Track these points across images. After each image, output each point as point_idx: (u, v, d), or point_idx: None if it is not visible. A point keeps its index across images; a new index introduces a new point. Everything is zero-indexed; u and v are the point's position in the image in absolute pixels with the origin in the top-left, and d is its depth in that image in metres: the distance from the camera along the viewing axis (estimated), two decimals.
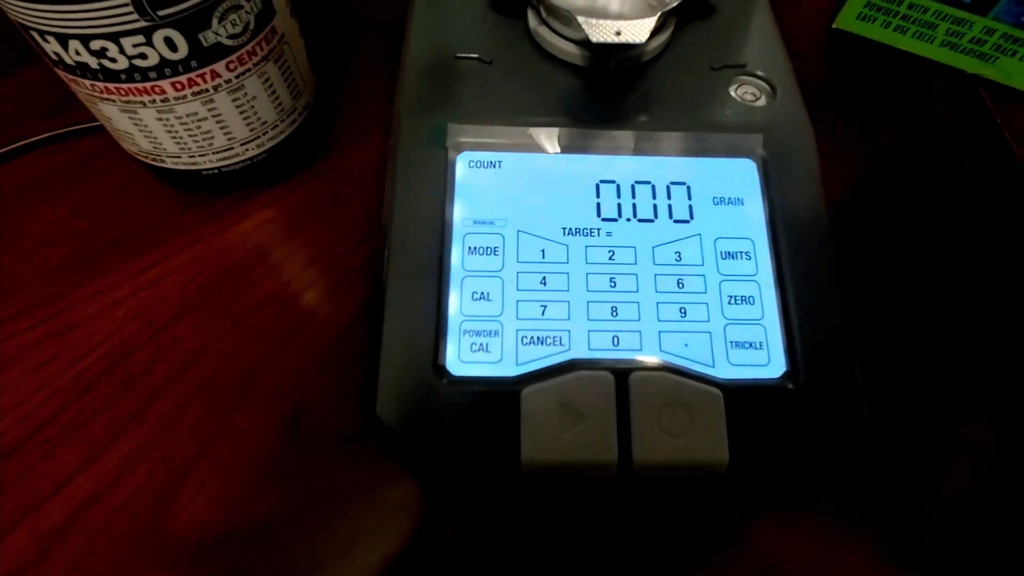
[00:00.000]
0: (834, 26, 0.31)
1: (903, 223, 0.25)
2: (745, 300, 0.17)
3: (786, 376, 0.16)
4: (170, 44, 0.18)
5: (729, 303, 0.17)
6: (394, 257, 0.17)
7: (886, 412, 0.19)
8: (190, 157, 0.22)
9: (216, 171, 0.23)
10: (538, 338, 0.16)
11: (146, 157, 0.22)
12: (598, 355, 0.16)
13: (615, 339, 0.17)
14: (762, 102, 0.19)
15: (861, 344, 0.16)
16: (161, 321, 0.22)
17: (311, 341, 0.22)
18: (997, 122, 0.28)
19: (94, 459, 0.19)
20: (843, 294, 0.17)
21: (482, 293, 0.17)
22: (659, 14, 0.18)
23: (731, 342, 0.17)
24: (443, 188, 0.18)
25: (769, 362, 0.16)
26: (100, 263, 0.23)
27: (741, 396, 0.16)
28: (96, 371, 0.21)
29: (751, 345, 0.17)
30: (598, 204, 0.18)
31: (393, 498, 0.18)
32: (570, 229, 0.18)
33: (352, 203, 0.25)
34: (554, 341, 0.16)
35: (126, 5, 0.16)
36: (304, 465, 0.19)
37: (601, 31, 0.17)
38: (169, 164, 0.22)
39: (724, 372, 0.16)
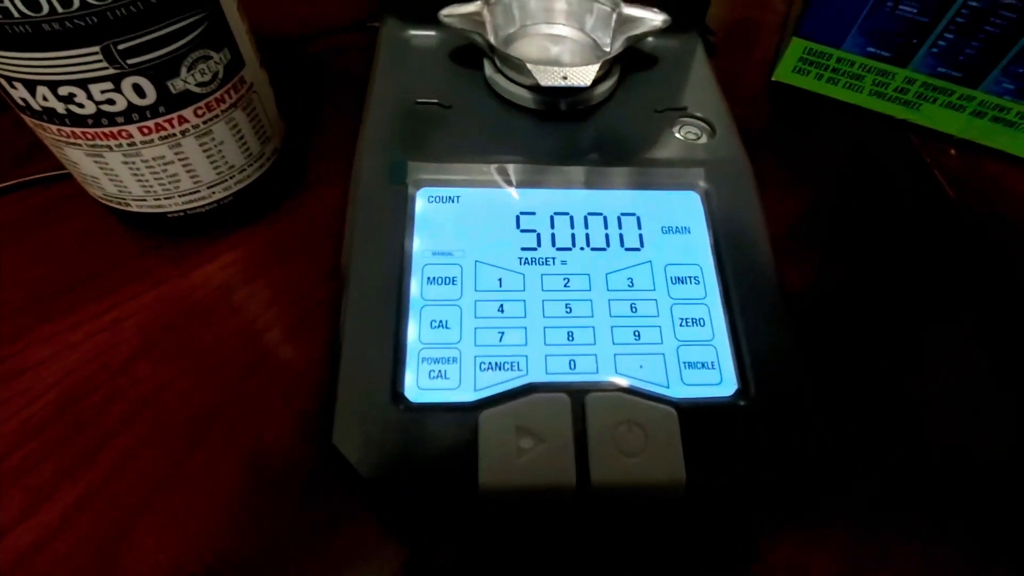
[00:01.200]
0: (773, 79, 0.33)
1: (842, 250, 0.26)
2: (696, 322, 0.18)
3: (738, 394, 0.17)
4: (138, 91, 0.18)
5: (681, 325, 0.18)
6: (353, 287, 0.17)
7: (835, 422, 0.19)
8: (155, 200, 0.22)
9: (182, 214, 0.23)
10: (496, 364, 0.17)
11: (111, 201, 0.22)
12: (555, 379, 0.17)
13: (572, 363, 0.17)
14: (703, 140, 0.21)
15: (806, 360, 0.17)
16: (118, 363, 0.21)
17: (271, 380, 0.21)
18: (927, 162, 0.30)
19: (38, 506, 0.18)
20: (786, 314, 0.18)
21: (441, 321, 0.17)
22: (602, 61, 0.20)
23: (684, 363, 0.17)
24: (403, 221, 0.18)
25: (721, 381, 0.17)
26: (58, 306, 0.23)
27: (695, 414, 0.16)
28: (45, 415, 0.20)
29: (703, 365, 0.17)
30: (553, 234, 0.19)
31: (353, 538, 0.18)
32: (526, 259, 0.18)
33: (316, 245, 0.25)
34: (512, 366, 0.17)
35: (95, 53, 0.17)
36: (262, 505, 0.19)
37: (550, 76, 0.19)
38: (134, 208, 0.22)
39: (678, 392, 0.17)
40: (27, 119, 0.19)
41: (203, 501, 0.19)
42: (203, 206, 0.23)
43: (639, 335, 0.17)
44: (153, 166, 0.21)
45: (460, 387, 0.16)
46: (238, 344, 0.22)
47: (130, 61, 0.18)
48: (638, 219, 0.19)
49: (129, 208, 0.22)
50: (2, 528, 0.18)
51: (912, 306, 0.25)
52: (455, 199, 0.19)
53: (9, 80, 0.18)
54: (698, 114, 0.21)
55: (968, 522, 0.19)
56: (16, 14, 0.15)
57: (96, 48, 0.17)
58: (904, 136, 0.32)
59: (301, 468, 0.19)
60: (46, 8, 0.16)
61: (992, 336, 0.24)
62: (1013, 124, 0.30)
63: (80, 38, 0.16)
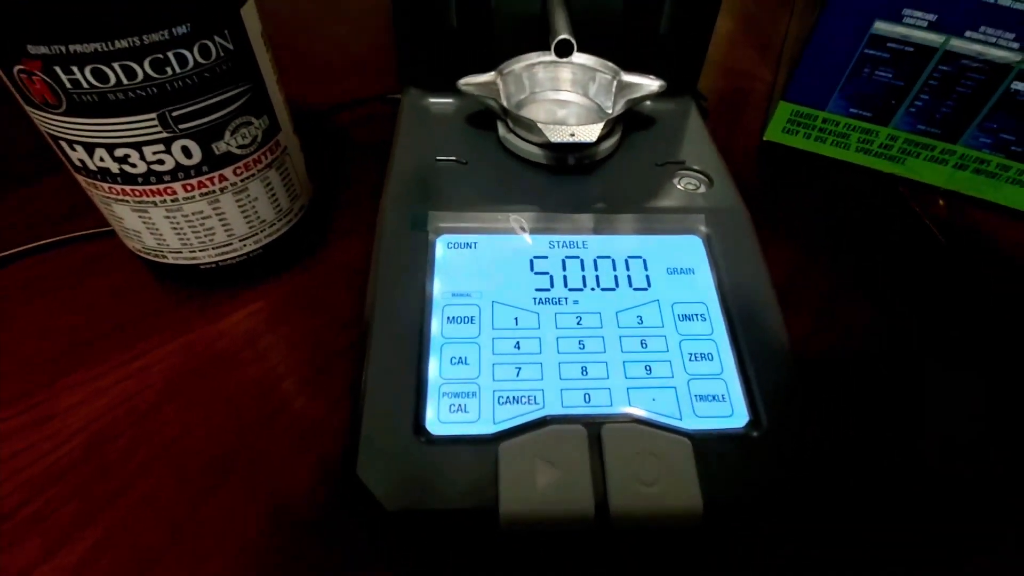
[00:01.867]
0: (764, 138, 0.36)
1: (839, 297, 0.27)
2: (704, 357, 0.18)
3: (750, 425, 0.17)
4: (186, 152, 0.20)
5: (690, 360, 0.18)
6: (377, 326, 0.18)
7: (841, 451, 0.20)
8: (191, 252, 0.23)
9: (213, 265, 0.24)
10: (514, 397, 0.17)
11: (148, 254, 0.24)
12: (571, 411, 0.17)
13: (586, 396, 0.17)
14: (702, 190, 0.22)
15: (812, 393, 0.17)
16: (144, 408, 0.22)
17: (290, 425, 0.22)
18: (916, 212, 0.32)
19: (57, 549, 0.18)
20: (790, 348, 0.18)
21: (460, 358, 0.18)
22: (606, 120, 0.22)
23: (695, 395, 0.18)
24: (424, 266, 0.20)
25: (732, 413, 0.17)
26: (89, 354, 0.24)
27: (709, 444, 0.16)
28: (71, 460, 0.21)
29: (714, 398, 0.18)
30: (564, 276, 0.20)
31: None
32: (540, 298, 0.19)
33: (338, 295, 0.26)
34: (529, 400, 0.17)
35: (152, 120, 0.19)
36: (281, 549, 0.19)
37: (558, 133, 0.21)
38: (170, 259, 0.24)
39: (691, 423, 0.17)
40: (81, 178, 0.21)
41: (222, 544, 0.19)
42: (234, 258, 0.24)
43: (650, 369, 0.18)
44: (192, 220, 0.22)
45: (479, 420, 0.17)
46: (260, 390, 0.23)
47: (182, 126, 0.20)
48: (644, 261, 0.20)
49: (165, 260, 0.24)
50: (22, 570, 0.18)
51: (910, 347, 0.25)
52: (473, 245, 0.20)
53: (71, 143, 0.20)
54: (696, 167, 0.23)
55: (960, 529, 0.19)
56: (86, 85, 0.18)
57: (153, 115, 0.19)
58: (893, 188, 0.34)
59: (319, 512, 0.20)
60: (112, 80, 0.18)
61: (985, 370, 0.24)
62: (995, 175, 0.31)
63: (139, 106, 0.18)
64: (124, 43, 0.17)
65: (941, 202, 0.33)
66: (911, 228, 0.31)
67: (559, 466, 0.16)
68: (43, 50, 0.16)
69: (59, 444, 0.21)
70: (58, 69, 0.17)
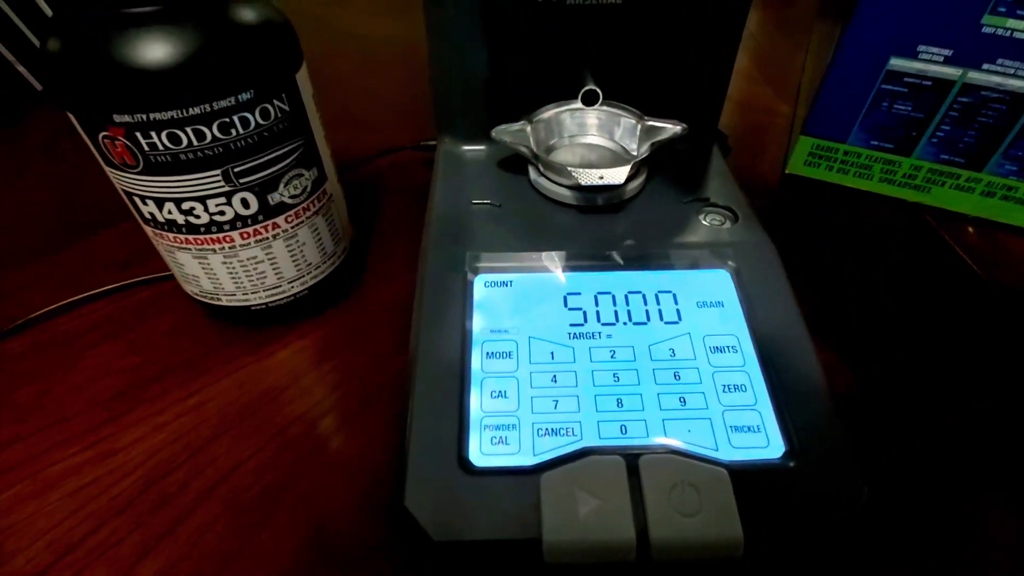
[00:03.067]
0: (787, 172, 0.36)
1: (873, 329, 0.27)
2: (738, 388, 0.19)
3: (787, 455, 0.17)
4: (244, 203, 0.22)
5: (724, 391, 0.19)
6: (421, 363, 0.19)
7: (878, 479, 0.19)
8: (244, 295, 0.25)
9: (264, 306, 0.26)
10: (552, 430, 0.18)
11: (205, 297, 0.26)
12: (609, 442, 0.18)
13: (623, 428, 0.18)
14: (727, 226, 0.23)
15: (847, 424, 0.18)
16: (199, 443, 0.23)
17: (336, 458, 0.23)
18: (946, 240, 0.32)
19: None
20: (823, 378, 0.19)
21: (500, 392, 0.19)
22: (632, 163, 0.23)
23: (730, 427, 0.18)
24: (463, 304, 0.21)
25: (769, 444, 0.18)
26: (149, 392, 0.25)
27: (747, 476, 0.17)
28: (132, 492, 0.22)
29: (749, 429, 0.18)
30: (597, 311, 0.21)
31: None
32: (575, 333, 0.20)
33: (378, 332, 0.28)
34: (567, 432, 0.18)
35: (216, 175, 0.21)
36: None
37: (588, 177, 0.22)
38: (224, 301, 0.25)
39: (728, 454, 0.17)
40: (149, 229, 0.23)
41: (272, 574, 0.19)
42: (283, 299, 0.26)
43: (685, 401, 0.19)
44: (246, 265, 0.24)
45: (520, 452, 0.18)
46: (305, 425, 0.24)
47: (242, 180, 0.21)
48: (674, 295, 0.21)
49: (219, 302, 0.26)
50: None
51: (948, 380, 0.25)
52: (509, 283, 0.22)
53: (143, 198, 0.22)
54: (720, 203, 0.24)
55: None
56: (161, 147, 0.19)
57: (218, 171, 0.21)
58: (919, 216, 0.34)
59: (365, 543, 0.20)
60: (185, 142, 0.20)
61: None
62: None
63: (206, 164, 0.20)
64: (197, 110, 0.19)
65: (971, 229, 0.33)
66: (939, 255, 0.31)
67: (599, 496, 0.16)
68: (127, 119, 0.19)
69: (121, 477, 0.22)
70: (138, 134, 0.19)
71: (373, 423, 0.24)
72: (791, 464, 0.17)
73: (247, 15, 0.20)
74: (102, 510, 0.21)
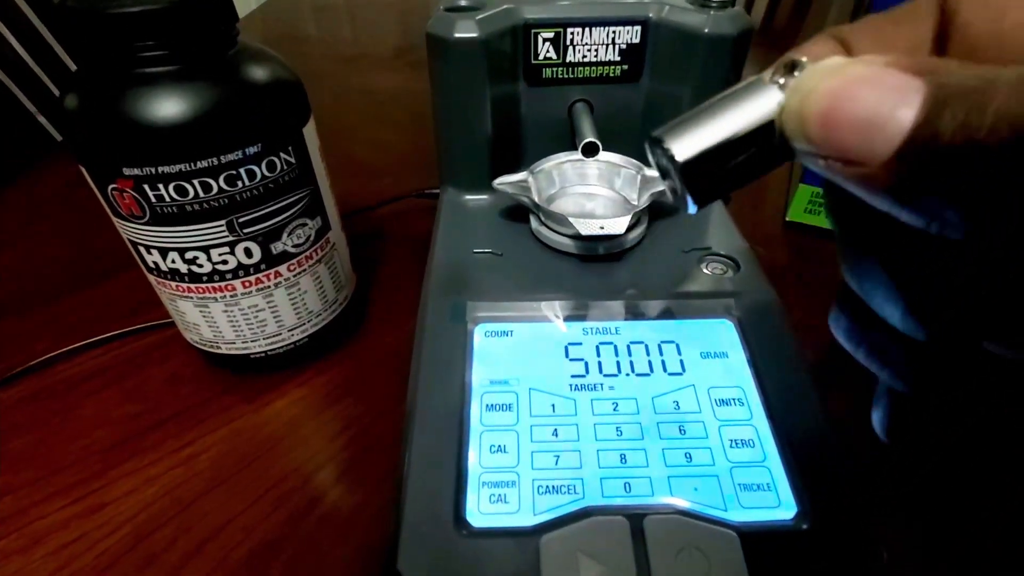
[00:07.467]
0: (787, 219, 0.37)
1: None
2: (745, 443, 0.18)
3: (800, 516, 0.16)
4: (247, 252, 0.22)
5: (731, 446, 0.18)
6: (419, 415, 0.19)
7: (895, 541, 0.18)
8: (243, 343, 0.25)
9: (263, 355, 0.26)
10: (553, 487, 0.17)
11: (204, 345, 0.26)
12: (612, 501, 0.17)
13: (627, 485, 0.17)
14: (729, 275, 0.23)
15: (862, 479, 0.17)
16: (190, 496, 0.23)
17: (331, 513, 0.22)
18: None
19: None
20: (834, 433, 0.18)
21: (499, 446, 0.18)
22: (632, 212, 0.23)
23: (739, 484, 0.17)
24: (463, 354, 0.20)
25: (780, 503, 0.17)
26: (143, 443, 0.25)
27: (757, 539, 0.16)
28: (118, 549, 0.21)
29: (759, 487, 0.17)
30: (599, 362, 0.20)
31: None
32: (576, 385, 0.20)
33: (378, 381, 0.27)
34: (568, 489, 0.17)
35: (221, 226, 0.21)
36: None
37: (588, 226, 0.22)
38: (223, 350, 0.25)
39: (737, 515, 0.17)
40: (152, 278, 0.23)
41: None
42: (282, 347, 0.26)
43: (690, 457, 0.18)
44: (247, 313, 0.24)
45: (520, 511, 0.17)
46: (301, 478, 0.23)
47: (246, 230, 0.22)
48: (677, 346, 0.21)
49: (219, 350, 0.25)
50: None
51: (954, 424, 0.24)
52: (509, 333, 0.21)
53: (147, 248, 0.22)
54: (722, 252, 0.24)
55: None
56: (167, 199, 0.20)
57: (222, 222, 0.21)
58: None
59: None
60: (191, 194, 0.20)
61: None
62: None
63: (212, 215, 0.21)
64: (204, 163, 0.19)
65: None
66: None
67: (602, 560, 0.15)
68: (136, 171, 0.19)
69: (109, 533, 0.22)
70: (146, 186, 0.19)
71: (371, 475, 0.23)
72: (804, 526, 0.16)
73: (258, 73, 0.21)
74: (86, 569, 0.21)
